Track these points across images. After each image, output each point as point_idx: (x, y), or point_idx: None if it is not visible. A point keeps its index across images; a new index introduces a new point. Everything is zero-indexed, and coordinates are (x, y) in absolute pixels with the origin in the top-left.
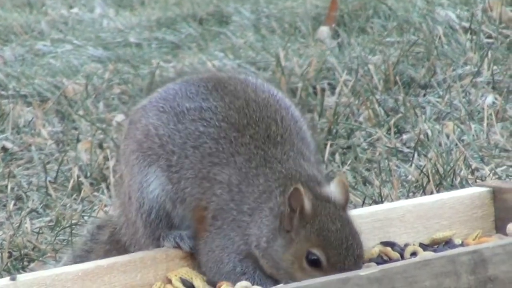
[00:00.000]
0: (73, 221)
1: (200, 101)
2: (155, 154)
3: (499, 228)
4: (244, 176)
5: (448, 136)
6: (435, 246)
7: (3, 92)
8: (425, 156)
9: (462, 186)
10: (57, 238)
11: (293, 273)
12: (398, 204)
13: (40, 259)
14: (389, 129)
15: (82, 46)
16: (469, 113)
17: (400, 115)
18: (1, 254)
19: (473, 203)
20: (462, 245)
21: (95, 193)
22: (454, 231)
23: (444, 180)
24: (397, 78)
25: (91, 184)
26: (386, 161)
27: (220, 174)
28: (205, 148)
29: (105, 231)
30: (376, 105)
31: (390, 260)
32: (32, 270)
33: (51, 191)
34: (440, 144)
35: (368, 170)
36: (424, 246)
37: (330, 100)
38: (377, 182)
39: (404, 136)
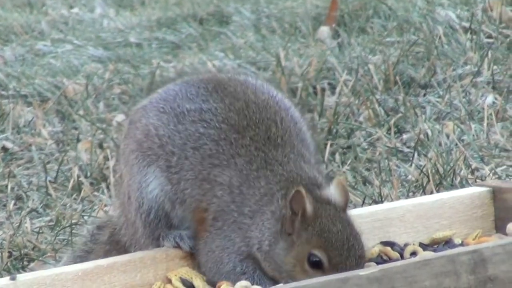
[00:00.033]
0: (73, 221)
1: (200, 103)
2: (155, 154)
3: (499, 228)
4: (245, 178)
5: (448, 136)
6: (435, 246)
7: (3, 92)
8: (425, 156)
9: (462, 186)
10: (57, 238)
11: (296, 275)
12: (398, 204)
13: (40, 258)
14: (389, 129)
15: (83, 46)
16: (469, 113)
17: (400, 115)
18: (1, 253)
19: (473, 203)
20: (462, 244)
21: (95, 193)
22: (454, 231)
23: (444, 180)
24: (397, 78)
25: (91, 184)
26: (386, 161)
27: (221, 175)
28: (205, 149)
29: (105, 232)
30: (376, 105)
31: (390, 260)
32: (32, 269)
33: (51, 191)
34: (440, 144)
35: (368, 170)
36: (424, 246)
37: (330, 100)
38: (377, 182)
39: (404, 136)
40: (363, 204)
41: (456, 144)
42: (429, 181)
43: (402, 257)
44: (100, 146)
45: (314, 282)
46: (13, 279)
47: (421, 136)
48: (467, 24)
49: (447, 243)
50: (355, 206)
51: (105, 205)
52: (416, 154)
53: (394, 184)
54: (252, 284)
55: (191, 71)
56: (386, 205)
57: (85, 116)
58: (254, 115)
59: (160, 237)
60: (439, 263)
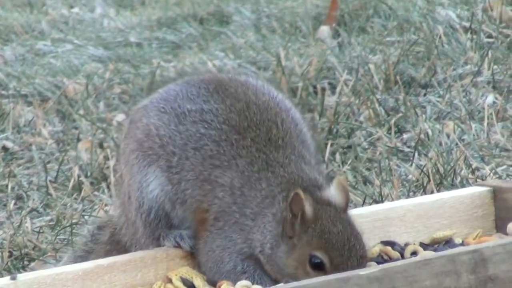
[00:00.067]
0: (74, 221)
1: (201, 103)
2: (155, 154)
3: (500, 228)
4: (246, 180)
5: (448, 136)
6: (436, 246)
7: (3, 92)
8: (426, 155)
9: (463, 186)
10: (57, 237)
11: (298, 278)
12: (399, 204)
13: (41, 258)
14: (389, 129)
15: (83, 46)
16: (469, 113)
17: (400, 114)
18: (2, 253)
19: (473, 203)
20: (462, 244)
21: (96, 193)
22: (454, 231)
23: (444, 180)
24: (398, 77)
25: (92, 183)
26: (387, 160)
27: (222, 177)
28: (206, 150)
29: (105, 232)
30: (377, 105)
31: (390, 259)
32: (32, 269)
33: (51, 191)
34: (440, 144)
35: (368, 169)
36: (424, 246)
37: (330, 100)
38: (377, 182)
39: (405, 136)
40: (363, 203)
41: (457, 144)
42: (429, 180)
43: (402, 256)
44: (101, 145)
45: (315, 282)
46: (13, 278)
47: (422, 135)
48: (467, 24)
49: (448, 242)
50: (355, 206)
51: (106, 205)
52: (416, 154)
53: (394, 183)
54: (253, 284)
55: (192, 71)
56: (386, 205)
57: (85, 115)
58: (255, 116)
59: (161, 236)
60: (440, 262)
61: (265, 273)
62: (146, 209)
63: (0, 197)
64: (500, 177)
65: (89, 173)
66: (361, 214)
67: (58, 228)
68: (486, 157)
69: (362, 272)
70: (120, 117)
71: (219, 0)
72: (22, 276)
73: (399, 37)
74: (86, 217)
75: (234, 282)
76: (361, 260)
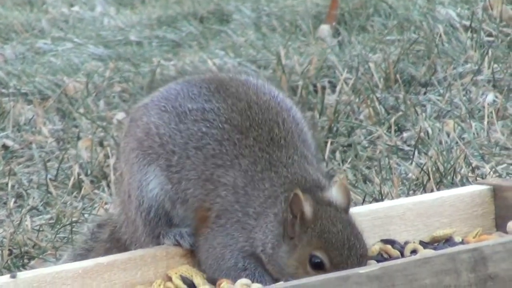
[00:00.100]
0: (74, 219)
1: (203, 102)
2: (155, 153)
3: (499, 226)
4: (250, 179)
5: (448, 134)
6: (435, 244)
7: (3, 90)
8: (426, 154)
9: (463, 184)
10: (57, 235)
11: (299, 277)
12: (399, 202)
13: (40, 256)
14: (389, 127)
15: (83, 44)
16: (469, 111)
17: (400, 113)
18: (2, 251)
19: (473, 201)
20: (462, 243)
21: (96, 191)
22: (454, 229)
23: (444, 178)
24: (398, 76)
25: (92, 182)
26: (387, 159)
27: (225, 176)
28: (208, 149)
29: (105, 230)
30: (377, 103)
31: (390, 258)
32: (32, 267)
33: (51, 189)
34: (440, 142)
35: (368, 168)
36: (424, 244)
37: (330, 98)
38: (377, 180)
39: (405, 134)
40: (363, 202)
41: (457, 142)
42: (429, 179)
43: (402, 255)
44: (101, 144)
45: (314, 281)
46: (13, 277)
47: (422, 134)
48: (467, 23)
49: (448, 241)
50: (355, 204)
51: (106, 203)
52: (416, 152)
53: (394, 182)
54: (253, 281)
55: (192, 69)
56: (386, 203)
57: (85, 114)
58: (257, 115)
59: (160, 235)
60: (440, 261)
61: (266, 271)
62: (146, 208)
63: (0, 195)
64: (500, 176)
65: (89, 172)
66: (361, 213)
67: (58, 226)
68: (486, 155)
69: (361, 270)
70: (120, 115)
71: None
72: (22, 274)
73: (399, 35)
74: (86, 215)
75: (234, 279)
76: (361, 259)
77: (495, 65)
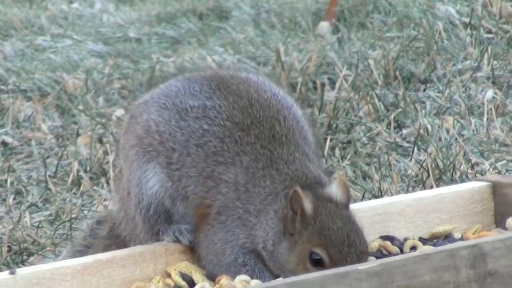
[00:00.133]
0: (73, 216)
1: (204, 99)
2: (155, 150)
3: (499, 223)
4: (251, 176)
5: (448, 131)
6: (435, 240)
7: (3, 87)
8: (425, 150)
9: (462, 181)
10: (56, 232)
11: (299, 274)
12: (398, 199)
13: (40, 253)
14: (389, 124)
15: (82, 41)
16: (469, 108)
17: (400, 110)
18: (1, 248)
19: (473, 198)
20: (461, 239)
21: (95, 188)
22: (453, 226)
23: (443, 175)
24: (397, 73)
25: (91, 178)
26: (386, 155)
27: (226, 173)
28: (209, 146)
29: (104, 226)
30: (376, 100)
31: (390, 254)
32: (31, 264)
33: (50, 186)
34: (440, 139)
35: (368, 164)
36: (423, 240)
37: (330, 95)
38: (377, 177)
39: (404, 131)
40: (363, 198)
41: (456, 139)
42: (429, 175)
43: (401, 251)
44: (100, 140)
45: (314, 277)
46: (12, 273)
47: (421, 131)
48: (467, 20)
49: (447, 237)
50: (355, 201)
51: (105, 200)
52: (416, 149)
53: (394, 178)
54: (252, 277)
55: (191, 66)
56: (386, 200)
57: (84, 111)
58: (258, 113)
59: (160, 231)
60: (439, 257)
61: (266, 267)
62: (146, 205)
63: None
64: (499, 172)
65: (88, 168)
66: (360, 209)
67: (57, 223)
68: (486, 152)
69: (361, 267)
70: (119, 112)
71: None
72: (21, 271)
73: (399, 32)
74: (85, 212)
75: (234, 274)
76: (361, 255)
77: (495, 62)
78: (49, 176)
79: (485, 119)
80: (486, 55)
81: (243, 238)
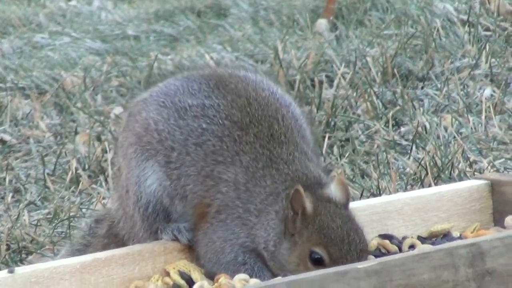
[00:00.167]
0: (71, 214)
1: (203, 98)
2: (154, 149)
3: (497, 221)
4: (251, 176)
5: (446, 129)
6: (433, 239)
7: (1, 85)
8: (423, 148)
9: (460, 179)
10: (55, 230)
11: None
12: (396, 197)
13: (38, 251)
14: (387, 122)
15: (80, 39)
16: (467, 106)
17: (398, 107)
18: None
19: (471, 196)
20: (460, 238)
21: (93, 186)
22: (452, 224)
23: (442, 173)
24: (395, 70)
25: (89, 176)
26: (384, 153)
27: (226, 173)
28: (208, 145)
29: (103, 225)
30: (374, 98)
31: (388, 253)
32: (30, 262)
33: (49, 184)
34: (438, 137)
35: (366, 162)
36: (422, 239)
37: (328, 93)
38: (375, 175)
39: (402, 129)
40: (361, 197)
41: (454, 137)
42: (427, 174)
43: (400, 250)
44: (98, 138)
45: (313, 275)
46: (11, 272)
47: (419, 129)
48: (465, 17)
49: (445, 236)
50: (353, 199)
51: (103, 198)
52: (414, 147)
53: (392, 177)
54: (252, 276)
55: (189, 64)
56: (384, 198)
57: (83, 108)
58: (256, 112)
59: (158, 230)
60: (438, 256)
61: (266, 267)
62: (144, 203)
63: None
64: (497, 170)
65: (87, 166)
66: (358, 208)
67: (55, 221)
68: (484, 150)
69: (360, 265)
70: (117, 110)
71: None
72: (20, 269)
73: (397, 30)
74: (83, 210)
75: (233, 273)
76: (361, 254)
77: (493, 60)
78: (48, 174)
79: (483, 117)
80: (484, 53)
81: (243, 237)
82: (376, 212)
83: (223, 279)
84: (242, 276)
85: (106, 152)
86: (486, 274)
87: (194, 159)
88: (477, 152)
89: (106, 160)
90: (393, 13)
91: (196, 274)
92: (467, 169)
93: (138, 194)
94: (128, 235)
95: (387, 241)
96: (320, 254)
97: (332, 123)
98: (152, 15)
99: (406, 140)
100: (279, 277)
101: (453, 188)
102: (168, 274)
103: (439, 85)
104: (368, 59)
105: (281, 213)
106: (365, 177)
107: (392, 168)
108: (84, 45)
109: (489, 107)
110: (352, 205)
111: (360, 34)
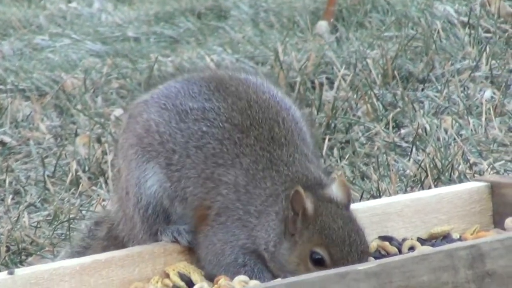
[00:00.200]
0: (71, 216)
1: (203, 101)
2: (155, 150)
3: (497, 223)
4: (251, 178)
5: (446, 131)
6: (433, 241)
7: (1, 87)
8: (423, 150)
9: (460, 181)
10: (55, 232)
11: (300, 275)
12: (396, 199)
13: (38, 253)
14: (387, 124)
15: (81, 41)
16: (467, 108)
17: (398, 109)
18: None
19: (471, 198)
20: (460, 239)
21: (93, 188)
22: (452, 226)
23: (442, 175)
24: (396, 72)
25: (89, 178)
26: (384, 155)
27: (226, 175)
28: (208, 148)
29: (102, 227)
30: (375, 100)
31: (388, 254)
32: (30, 264)
33: (49, 186)
34: (438, 139)
35: (366, 164)
36: (422, 241)
37: (328, 95)
38: (375, 177)
39: (402, 131)
40: (361, 199)
41: (454, 139)
42: (427, 176)
43: (400, 252)
44: (98, 140)
45: (313, 277)
46: (11, 273)
47: (419, 130)
48: (465, 19)
49: (445, 238)
50: (353, 201)
51: (103, 200)
52: (414, 149)
53: (392, 179)
54: (252, 277)
55: (190, 65)
56: (384, 200)
57: (83, 110)
58: (257, 114)
59: (158, 232)
60: (437, 258)
61: (266, 268)
62: (144, 205)
63: None
64: (497, 172)
65: (87, 168)
66: (358, 209)
67: (55, 223)
68: (484, 152)
69: (360, 267)
70: (118, 112)
71: None
72: (20, 271)
73: (397, 32)
74: (83, 212)
75: (233, 275)
76: (361, 255)
77: (493, 62)
78: (48, 176)
79: (483, 119)
80: (484, 55)
81: (244, 239)
82: (376, 214)
83: (222, 280)
84: (242, 277)
85: (106, 154)
86: (486, 276)
87: (194, 161)
88: (477, 154)
89: (106, 162)
90: (393, 15)
91: (195, 275)
92: (467, 171)
93: (138, 196)
94: (128, 237)
95: (387, 243)
96: (321, 255)
97: (332, 125)
98: (152, 17)
99: (406, 142)
100: (279, 279)
101: (453, 190)
102: (167, 275)
103: (439, 87)
104: (369, 61)
105: (281, 214)
106: (365, 179)
107: (392, 170)
108: (84, 47)
109: (489, 109)
110: (352, 206)
111: (361, 36)
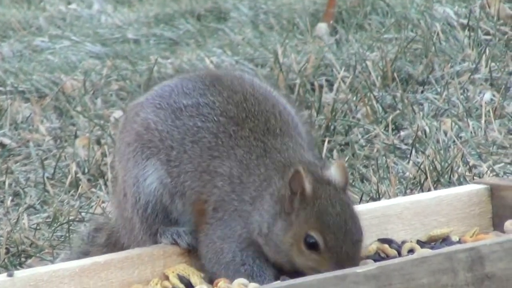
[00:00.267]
0: (71, 218)
1: (198, 97)
2: (155, 147)
3: (497, 226)
4: (245, 168)
5: (445, 133)
6: (433, 243)
7: (1, 88)
8: (423, 153)
9: (460, 183)
10: (54, 234)
11: (293, 255)
12: (396, 201)
13: (38, 255)
14: (387, 126)
15: (80, 42)
16: (467, 110)
17: (398, 111)
18: None
19: (470, 200)
20: (459, 242)
21: (93, 189)
22: (451, 228)
23: (441, 177)
24: (395, 74)
25: (89, 180)
26: (384, 158)
27: (221, 166)
28: (204, 142)
29: (102, 234)
30: (374, 102)
31: (388, 257)
32: (29, 266)
33: (48, 187)
34: (437, 141)
35: (365, 166)
36: (421, 243)
37: (328, 97)
38: (374, 179)
39: (402, 133)
40: (360, 201)
41: (454, 141)
42: (426, 178)
43: (399, 254)
44: (98, 142)
45: (312, 279)
46: (10, 275)
47: (419, 133)
48: (465, 21)
49: (445, 240)
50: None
51: (103, 202)
52: (413, 151)
53: (391, 181)
54: (252, 276)
55: (189, 67)
56: (383, 202)
57: (82, 112)
58: (253, 107)
59: (158, 233)
60: (437, 260)
61: (264, 263)
62: (143, 204)
63: None
64: (497, 175)
65: (86, 170)
66: (358, 212)
67: (55, 225)
68: (484, 154)
69: (359, 269)
70: (117, 113)
71: None
72: (19, 273)
73: (397, 34)
74: (83, 214)
75: (233, 273)
76: (356, 244)
77: (493, 64)
78: (47, 178)
79: (483, 121)
80: (484, 57)
81: (240, 229)
82: (376, 216)
83: (222, 283)
84: (241, 280)
85: (105, 155)
86: (485, 279)
87: (191, 156)
88: (476, 157)
89: (105, 164)
90: (393, 17)
91: (195, 278)
92: (467, 173)
93: (137, 195)
94: (128, 240)
95: (386, 246)
96: (315, 239)
97: (332, 127)
98: (152, 19)
99: (406, 144)
100: (278, 281)
101: (453, 193)
102: (167, 278)
103: (439, 89)
104: (368, 63)
105: (276, 195)
106: (365, 181)
107: (392, 172)
108: (84, 49)
109: (488, 111)
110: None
111: (360, 38)
